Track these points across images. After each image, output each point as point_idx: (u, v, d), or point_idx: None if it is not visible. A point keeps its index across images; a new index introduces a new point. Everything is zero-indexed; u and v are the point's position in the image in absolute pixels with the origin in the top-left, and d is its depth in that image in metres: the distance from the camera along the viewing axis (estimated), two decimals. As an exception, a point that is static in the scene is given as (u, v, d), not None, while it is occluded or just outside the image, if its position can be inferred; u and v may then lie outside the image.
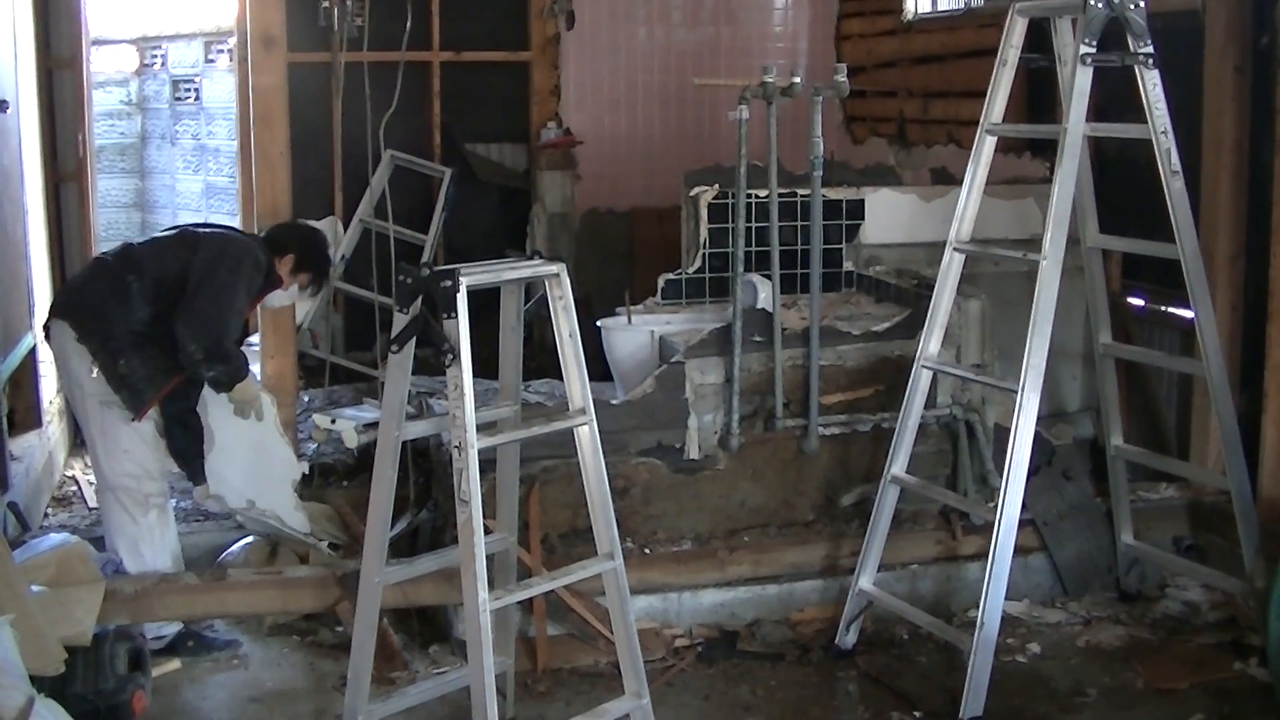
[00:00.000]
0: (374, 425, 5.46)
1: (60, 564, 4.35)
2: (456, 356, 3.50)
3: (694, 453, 5.15)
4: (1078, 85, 4.34)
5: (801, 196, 5.52)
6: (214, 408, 4.93)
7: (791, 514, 5.27)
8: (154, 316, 4.69)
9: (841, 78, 5.10)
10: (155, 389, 4.73)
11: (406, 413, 3.78)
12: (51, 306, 4.90)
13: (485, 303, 3.84)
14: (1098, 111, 4.85)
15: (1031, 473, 4.49)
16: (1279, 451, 4.95)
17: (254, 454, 5.04)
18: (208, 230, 5.01)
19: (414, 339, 3.65)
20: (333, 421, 5.52)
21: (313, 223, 7.02)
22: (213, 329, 4.63)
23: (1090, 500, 5.29)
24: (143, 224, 11.41)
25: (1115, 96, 5.06)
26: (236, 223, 8.27)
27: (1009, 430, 4.29)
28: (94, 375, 4.67)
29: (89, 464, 6.39)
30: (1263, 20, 5.11)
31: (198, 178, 10.96)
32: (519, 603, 4.36)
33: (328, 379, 6.75)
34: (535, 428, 3.90)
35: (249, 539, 5.26)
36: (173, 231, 5.07)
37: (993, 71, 4.62)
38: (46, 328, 4.85)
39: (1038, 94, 6.21)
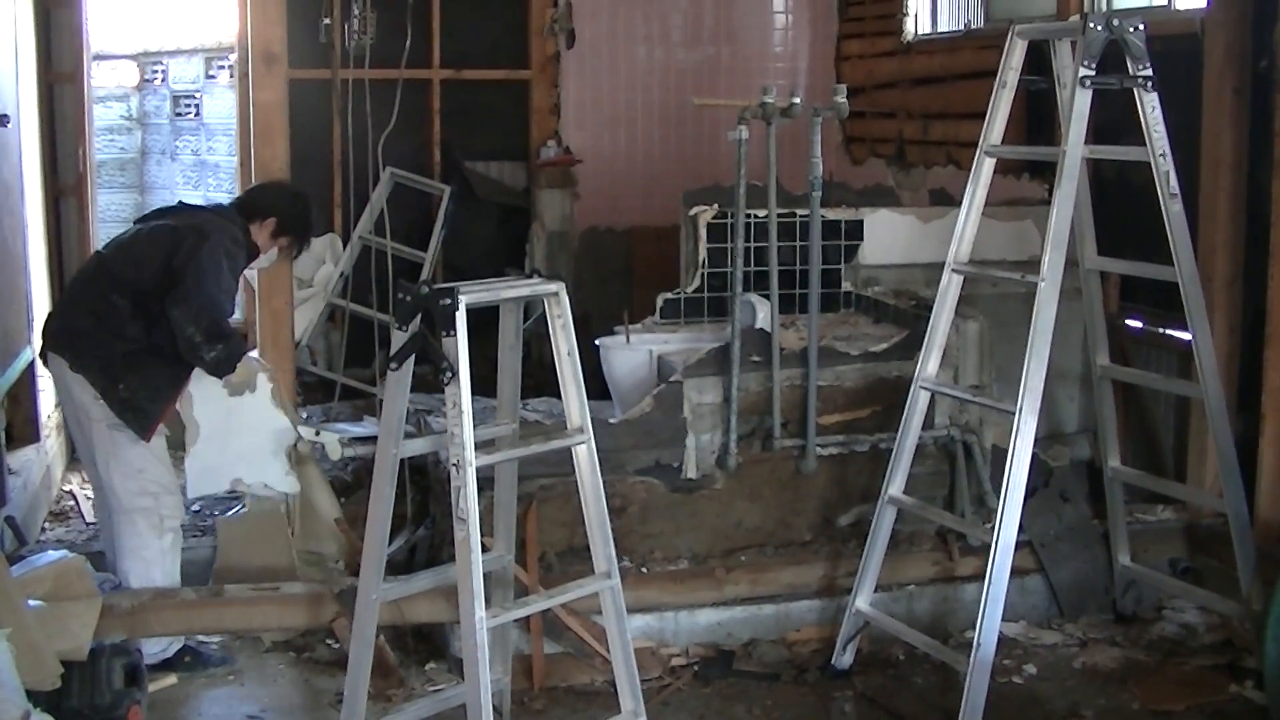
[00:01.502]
0: (360, 440, 5.45)
1: (57, 579, 4.33)
2: (455, 374, 3.50)
3: (691, 472, 5.15)
4: (1077, 107, 4.35)
5: (800, 217, 5.53)
6: (199, 397, 4.84)
7: (789, 534, 5.26)
8: (146, 328, 4.62)
9: (841, 98, 5.13)
10: (161, 404, 4.67)
11: (405, 430, 3.79)
12: (43, 335, 4.82)
13: (484, 321, 3.85)
14: (1096, 134, 4.87)
15: (1028, 494, 4.49)
16: (1276, 474, 4.95)
17: (240, 433, 4.96)
18: (176, 223, 4.80)
19: (413, 356, 3.65)
20: (317, 433, 5.50)
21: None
22: (207, 309, 4.52)
23: (1087, 522, 5.29)
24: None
25: (1114, 119, 5.07)
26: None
27: (1006, 451, 4.29)
28: (99, 402, 4.60)
29: (86, 478, 6.40)
30: (1261, 43, 5.13)
31: (197, 193, 10.93)
32: (516, 620, 4.36)
33: (336, 396, 6.74)
34: (533, 446, 3.91)
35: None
36: (142, 229, 4.87)
37: (992, 93, 4.63)
38: (43, 356, 4.79)
39: (1037, 116, 6.23)
